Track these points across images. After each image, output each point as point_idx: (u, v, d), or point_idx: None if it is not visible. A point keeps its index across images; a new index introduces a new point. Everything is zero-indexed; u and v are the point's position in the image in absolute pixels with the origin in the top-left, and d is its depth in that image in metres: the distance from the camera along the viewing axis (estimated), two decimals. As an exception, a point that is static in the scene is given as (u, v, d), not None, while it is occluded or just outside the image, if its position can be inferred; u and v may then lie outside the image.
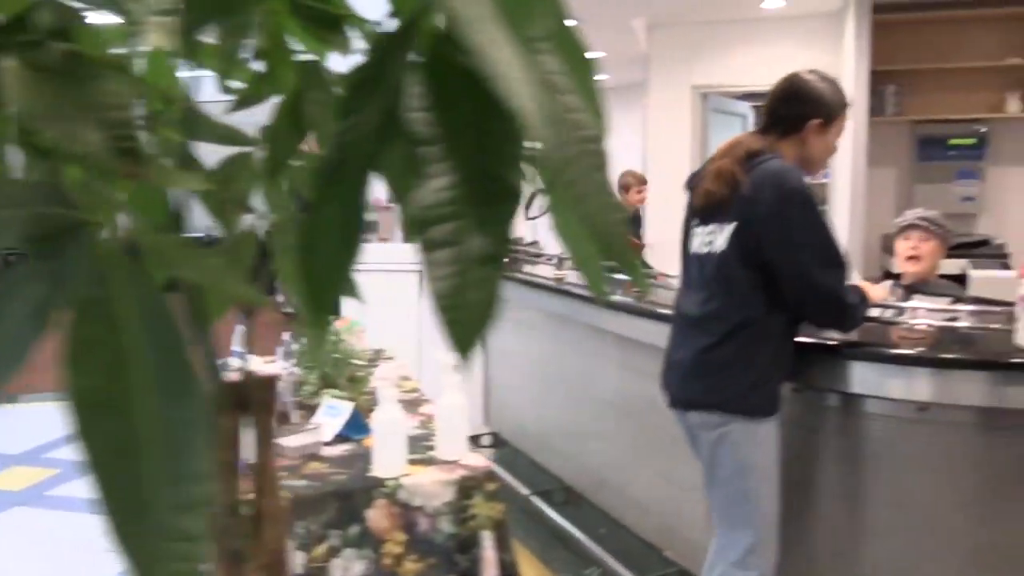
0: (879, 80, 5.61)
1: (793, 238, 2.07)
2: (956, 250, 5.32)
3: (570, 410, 3.80)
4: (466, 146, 0.53)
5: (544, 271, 4.07)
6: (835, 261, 2.09)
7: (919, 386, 2.13)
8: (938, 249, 3.37)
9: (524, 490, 3.93)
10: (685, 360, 2.28)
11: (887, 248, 5.00)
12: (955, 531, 2.21)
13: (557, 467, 3.98)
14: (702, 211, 2.27)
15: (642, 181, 5.59)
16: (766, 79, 6.19)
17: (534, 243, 5.01)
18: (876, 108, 5.65)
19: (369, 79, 0.60)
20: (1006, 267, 5.14)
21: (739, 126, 6.95)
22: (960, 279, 5.20)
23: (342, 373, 2.84)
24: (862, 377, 2.22)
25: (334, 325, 3.68)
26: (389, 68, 0.59)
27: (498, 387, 4.64)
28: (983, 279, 5.15)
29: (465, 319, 0.54)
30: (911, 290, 3.24)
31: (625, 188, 5.48)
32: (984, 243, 5.40)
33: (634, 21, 3.97)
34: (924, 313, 2.55)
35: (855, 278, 2.49)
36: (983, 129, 5.63)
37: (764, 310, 2.13)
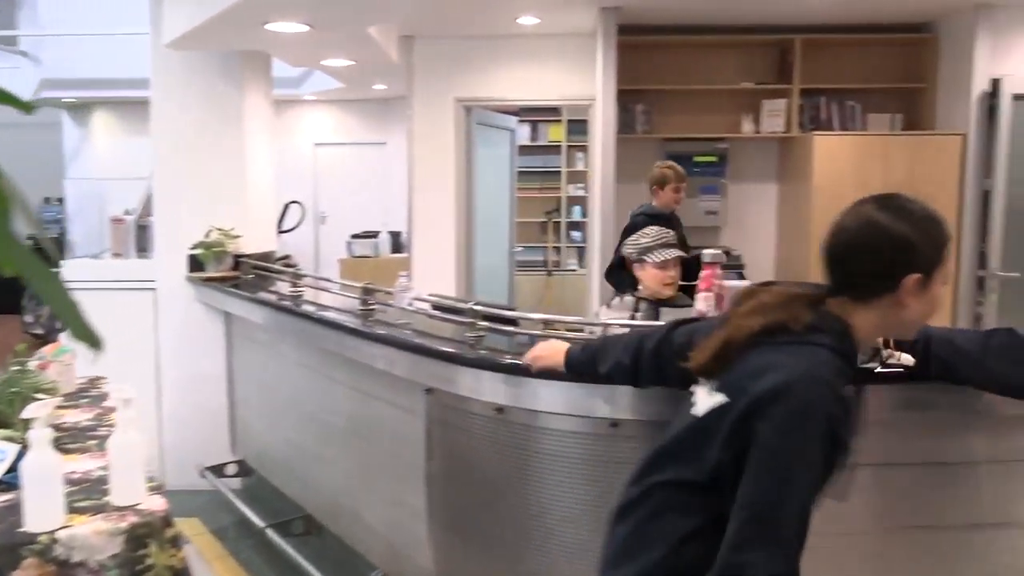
0: (629, 99, 5.85)
1: (764, 464, 1.45)
2: (698, 261, 5.65)
3: (307, 434, 3.63)
4: None
5: (283, 289, 3.87)
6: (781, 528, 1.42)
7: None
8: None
9: (262, 522, 3.70)
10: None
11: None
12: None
13: (298, 495, 3.78)
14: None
15: (681, 177, 4.73)
16: (528, 93, 6.42)
17: (286, 257, 4.79)
18: (627, 125, 5.89)
19: None
20: (742, 277, 5.50)
21: (507, 141, 7.05)
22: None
23: (18, 410, 2.50)
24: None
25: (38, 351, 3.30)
26: None
27: (242, 412, 4.37)
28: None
29: None
30: (660, 304, 3.30)
31: (659, 183, 4.72)
32: (724, 254, 5.75)
33: (370, 30, 3.87)
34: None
35: None
36: (723, 147, 6.01)
37: (704, 517, 1.55)
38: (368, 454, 3.16)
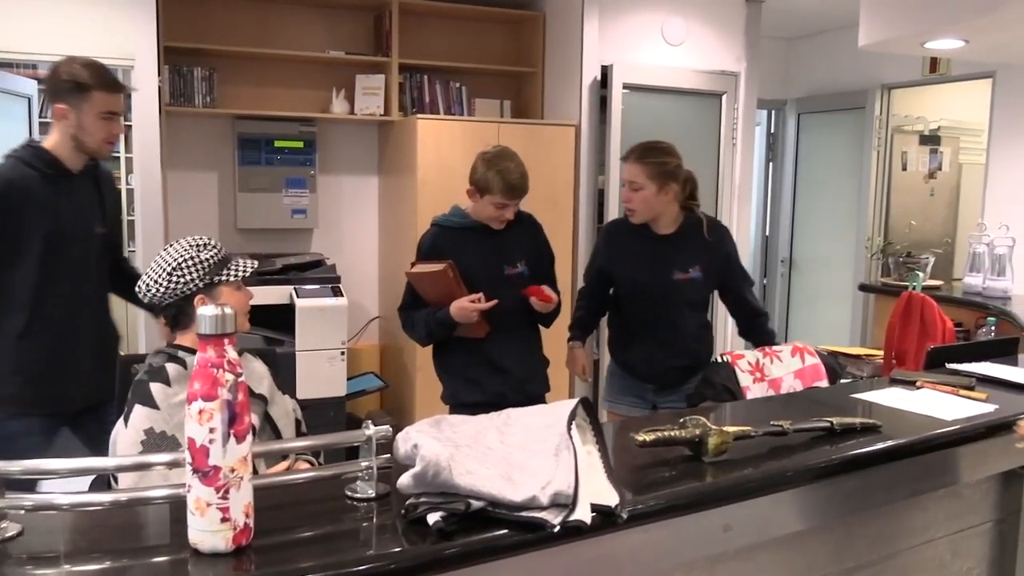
0: (184, 61, 4.46)
1: None
2: (282, 274, 4.46)
3: None
4: None
5: None
6: None
7: None
8: None
9: None
10: None
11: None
12: None
13: None
14: None
15: (519, 190, 2.84)
16: (30, 45, 4.59)
17: None
18: (182, 96, 4.49)
19: None
20: (338, 293, 4.41)
21: (21, 112, 5.19)
22: (288, 310, 4.34)
23: None
24: None
25: None
26: None
27: None
28: (311, 309, 4.35)
29: None
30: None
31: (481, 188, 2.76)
32: (317, 264, 4.63)
33: None
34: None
35: None
36: (311, 130, 4.86)
37: None
38: None
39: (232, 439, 1.00)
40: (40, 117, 5.28)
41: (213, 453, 0.99)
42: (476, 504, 1.10)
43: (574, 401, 1.33)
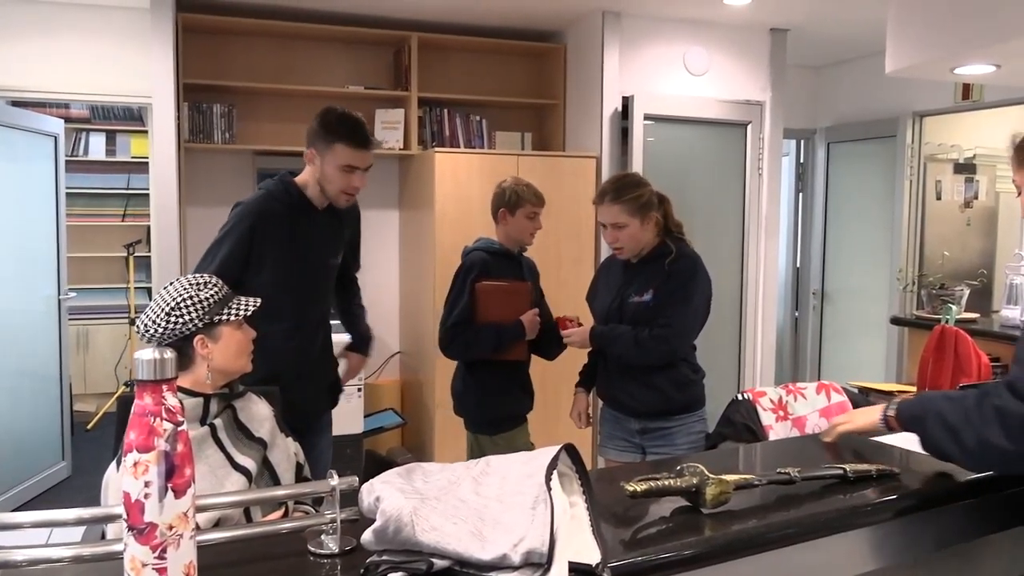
0: (201, 96, 4.48)
1: None
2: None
3: None
4: None
5: None
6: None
7: None
8: None
9: None
10: None
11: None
12: None
13: None
14: None
15: (540, 199, 3.14)
16: (51, 83, 4.67)
17: None
18: (203, 132, 4.51)
19: None
20: (355, 327, 4.35)
21: (46, 151, 5.25)
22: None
23: None
24: None
25: None
26: None
27: None
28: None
29: None
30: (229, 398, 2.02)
31: (510, 205, 3.08)
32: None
33: None
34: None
35: None
36: (330, 165, 4.85)
37: None
38: None
39: (170, 493, 0.93)
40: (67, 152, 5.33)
41: (148, 509, 0.92)
42: (440, 563, 1.02)
43: (557, 448, 1.23)
